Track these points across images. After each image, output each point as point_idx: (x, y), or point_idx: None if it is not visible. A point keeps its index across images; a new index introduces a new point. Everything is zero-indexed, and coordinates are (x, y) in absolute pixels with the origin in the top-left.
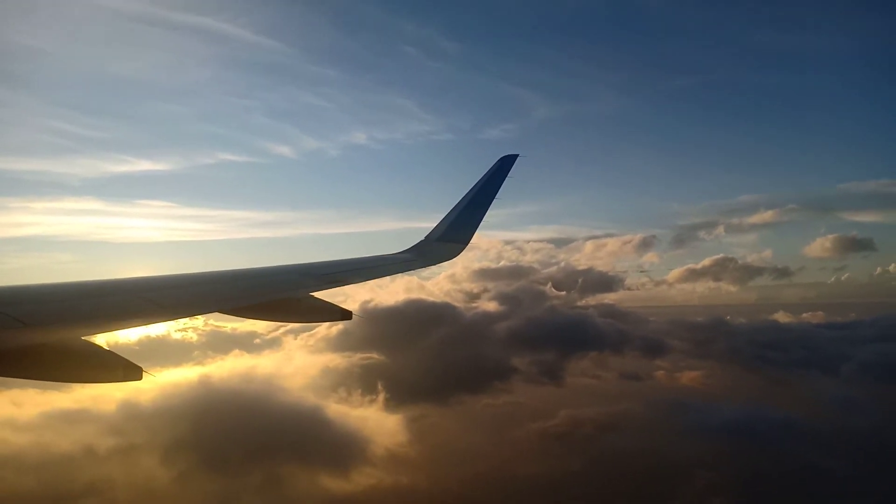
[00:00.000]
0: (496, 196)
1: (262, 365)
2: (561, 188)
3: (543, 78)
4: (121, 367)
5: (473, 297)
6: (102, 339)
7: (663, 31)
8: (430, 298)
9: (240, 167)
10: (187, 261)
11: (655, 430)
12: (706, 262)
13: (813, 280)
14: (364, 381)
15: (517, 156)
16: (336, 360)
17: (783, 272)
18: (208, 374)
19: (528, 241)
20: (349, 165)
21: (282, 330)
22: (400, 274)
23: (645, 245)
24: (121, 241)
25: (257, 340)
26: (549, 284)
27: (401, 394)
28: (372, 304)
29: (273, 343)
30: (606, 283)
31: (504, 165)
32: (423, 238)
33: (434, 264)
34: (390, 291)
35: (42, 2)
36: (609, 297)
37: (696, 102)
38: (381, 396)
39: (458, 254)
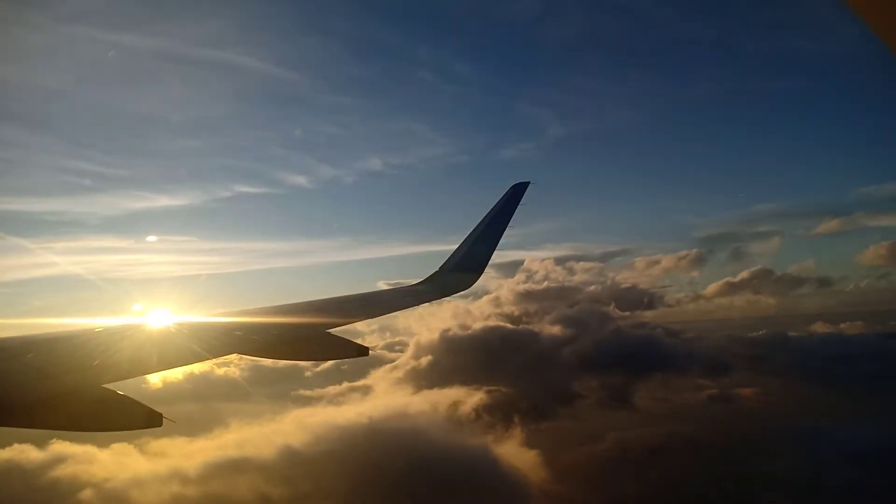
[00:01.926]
0: (509, 224)
1: (381, 403)
2: (575, 205)
3: (557, 96)
4: (142, 414)
5: (515, 320)
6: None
7: (673, 43)
8: (509, 325)
9: (257, 199)
10: (208, 295)
11: (789, 458)
12: (744, 274)
13: (839, 289)
14: (493, 414)
15: (528, 183)
16: (459, 394)
17: (825, 282)
18: (349, 414)
19: (579, 261)
20: (365, 192)
21: (330, 364)
22: (419, 305)
23: (699, 260)
24: (141, 277)
25: (308, 373)
26: (613, 305)
27: (523, 425)
28: (451, 333)
29: (331, 376)
30: (648, 300)
31: (516, 193)
32: (438, 266)
33: (449, 295)
34: (439, 318)
35: (61, 43)
36: (651, 315)
37: (707, 113)
38: (504, 429)
39: (473, 283)
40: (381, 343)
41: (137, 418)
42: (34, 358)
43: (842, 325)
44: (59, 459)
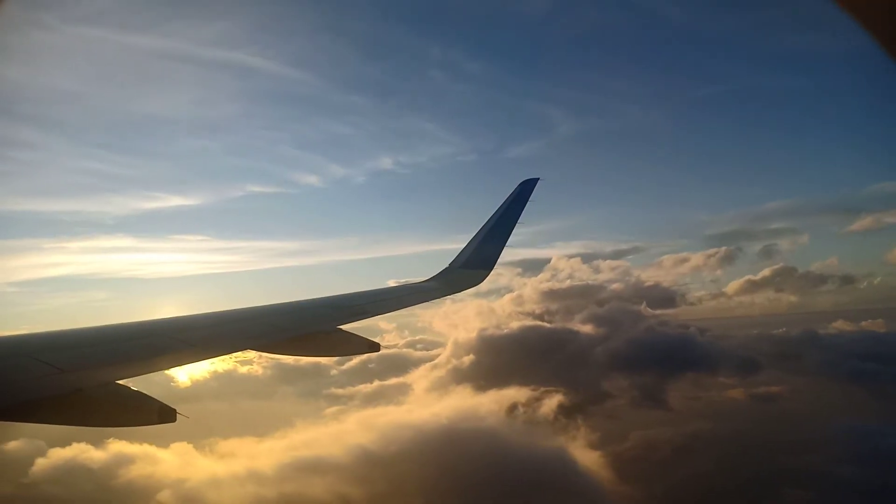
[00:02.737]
0: (518, 221)
1: (439, 404)
2: (585, 203)
3: (567, 94)
4: (155, 410)
5: (538, 318)
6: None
7: (686, 41)
8: (546, 325)
9: (268, 198)
10: (219, 293)
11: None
12: (766, 272)
13: (855, 286)
14: (552, 414)
15: (538, 179)
16: (513, 394)
17: (847, 279)
18: (414, 415)
19: (606, 259)
20: (375, 192)
21: (356, 361)
22: (429, 302)
23: (728, 259)
24: (154, 276)
25: (334, 371)
26: (644, 304)
27: (580, 424)
28: (489, 333)
29: (357, 374)
30: (670, 298)
31: (525, 190)
32: (447, 264)
33: (458, 291)
34: (463, 317)
35: (74, 45)
36: (673, 313)
37: (718, 111)
38: (565, 429)
39: (483, 280)
40: (402, 341)
41: (151, 414)
42: (50, 355)
43: (863, 323)
44: (127, 460)
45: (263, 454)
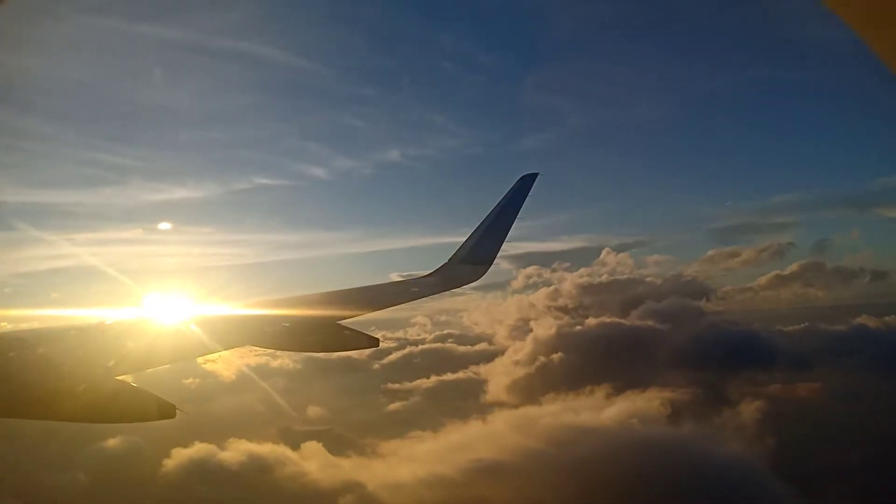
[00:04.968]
0: (517, 216)
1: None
2: (589, 196)
3: (577, 86)
4: (155, 406)
5: (570, 311)
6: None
7: (697, 31)
8: (625, 322)
9: (275, 190)
10: (225, 286)
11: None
12: (794, 267)
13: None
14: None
15: (537, 174)
16: (657, 394)
17: (879, 274)
18: (578, 417)
19: (651, 255)
20: (382, 184)
21: (396, 355)
22: (427, 298)
23: (779, 253)
24: (160, 268)
25: (375, 366)
26: (704, 300)
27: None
28: (567, 330)
29: (401, 369)
30: (703, 292)
31: (524, 185)
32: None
33: (458, 287)
34: (503, 311)
35: (85, 35)
36: (706, 306)
37: (726, 103)
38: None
39: (482, 275)
40: (430, 336)
41: (151, 410)
42: (51, 350)
43: (885, 318)
44: (272, 461)
45: (427, 456)
